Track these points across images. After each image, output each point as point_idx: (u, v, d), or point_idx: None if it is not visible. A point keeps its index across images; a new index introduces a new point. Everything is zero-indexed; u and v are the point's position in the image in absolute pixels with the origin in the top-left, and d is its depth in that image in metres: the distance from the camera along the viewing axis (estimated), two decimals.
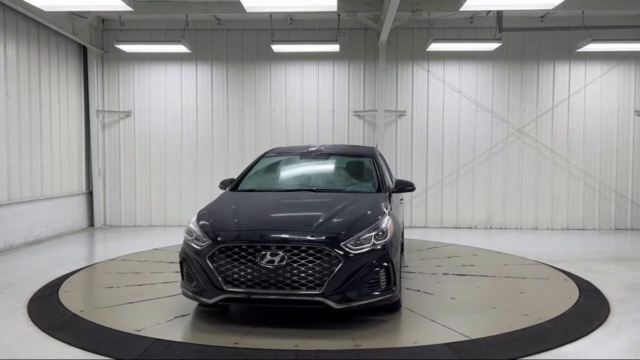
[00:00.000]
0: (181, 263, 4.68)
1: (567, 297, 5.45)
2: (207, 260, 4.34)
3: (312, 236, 4.29)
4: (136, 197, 11.16)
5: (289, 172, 6.29)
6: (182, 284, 4.73)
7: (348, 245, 4.27)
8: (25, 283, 6.08)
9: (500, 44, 9.73)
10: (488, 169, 10.91)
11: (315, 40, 10.53)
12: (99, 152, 10.97)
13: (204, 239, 4.46)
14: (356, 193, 5.47)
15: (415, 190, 6.89)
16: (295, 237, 4.29)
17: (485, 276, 6.53)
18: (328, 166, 6.25)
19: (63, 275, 6.39)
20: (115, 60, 11.02)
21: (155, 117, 11.08)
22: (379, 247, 4.38)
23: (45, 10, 7.85)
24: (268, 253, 4.21)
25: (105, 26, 10.92)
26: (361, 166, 6.15)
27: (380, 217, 4.65)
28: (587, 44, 9.58)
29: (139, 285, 5.92)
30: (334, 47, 9.88)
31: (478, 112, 10.89)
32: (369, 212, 4.75)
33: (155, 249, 8.19)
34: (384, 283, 4.41)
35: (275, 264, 4.19)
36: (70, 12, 9.64)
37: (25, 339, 4.33)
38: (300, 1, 7.08)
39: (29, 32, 8.95)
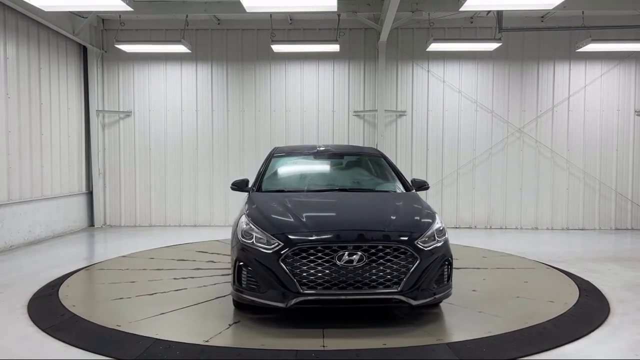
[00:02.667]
0: (240, 268, 4.46)
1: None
2: (281, 263, 4.21)
3: (389, 235, 4.35)
4: (136, 197, 11.16)
5: (311, 173, 6.22)
6: (238, 290, 4.50)
7: (420, 243, 4.38)
8: (25, 283, 6.08)
9: (500, 44, 9.72)
10: (488, 169, 10.91)
11: (315, 40, 10.53)
12: (99, 152, 10.97)
13: (273, 241, 4.32)
14: (389, 192, 5.61)
15: None
16: (373, 236, 4.32)
17: (478, 268, 6.77)
18: (346, 166, 6.30)
19: (63, 275, 6.39)
20: (115, 60, 11.02)
21: (155, 117, 11.08)
22: (441, 244, 4.53)
23: (45, 10, 7.85)
24: (346, 253, 4.19)
25: (105, 26, 10.92)
26: (377, 166, 6.24)
27: (435, 215, 4.83)
28: (587, 44, 9.58)
29: (150, 294, 5.51)
30: (334, 47, 9.88)
31: (478, 112, 10.88)
32: (423, 211, 4.89)
33: (123, 256, 7.60)
34: (446, 278, 4.59)
35: (354, 264, 4.18)
36: (70, 12, 9.64)
37: (25, 339, 4.32)
38: (300, 1, 7.09)
39: (29, 32, 8.95)
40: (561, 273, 6.59)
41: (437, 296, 4.46)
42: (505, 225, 10.93)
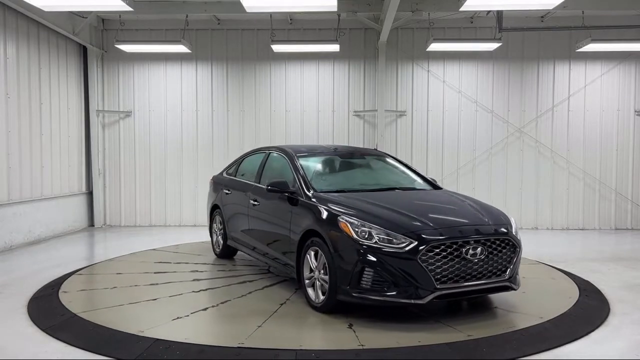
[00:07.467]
0: (362, 269, 4.44)
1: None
2: (418, 261, 4.36)
3: (496, 229, 4.80)
4: (136, 197, 11.16)
5: (352, 173, 6.31)
6: (360, 292, 4.47)
7: (516, 234, 4.93)
8: (25, 283, 6.08)
9: (500, 44, 9.73)
10: (488, 169, 10.91)
11: (315, 40, 10.52)
12: (99, 152, 10.97)
13: (403, 240, 4.42)
14: (430, 190, 5.95)
15: None
16: (486, 231, 4.74)
17: None
18: (374, 166, 6.52)
19: (63, 275, 6.37)
20: (115, 60, 11.02)
21: (155, 117, 11.07)
22: (519, 235, 5.03)
23: (45, 10, 7.86)
24: (470, 247, 4.53)
25: (105, 26, 10.92)
26: (397, 165, 6.53)
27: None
28: (587, 44, 9.58)
29: (203, 309, 4.99)
30: (334, 47, 9.88)
31: (478, 112, 10.88)
32: (494, 207, 5.36)
33: (79, 274, 6.52)
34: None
35: (478, 257, 4.55)
36: (70, 12, 9.63)
37: (25, 339, 4.32)
38: (300, 1, 7.10)
39: (29, 32, 8.94)
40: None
41: (519, 283, 4.98)
42: None
